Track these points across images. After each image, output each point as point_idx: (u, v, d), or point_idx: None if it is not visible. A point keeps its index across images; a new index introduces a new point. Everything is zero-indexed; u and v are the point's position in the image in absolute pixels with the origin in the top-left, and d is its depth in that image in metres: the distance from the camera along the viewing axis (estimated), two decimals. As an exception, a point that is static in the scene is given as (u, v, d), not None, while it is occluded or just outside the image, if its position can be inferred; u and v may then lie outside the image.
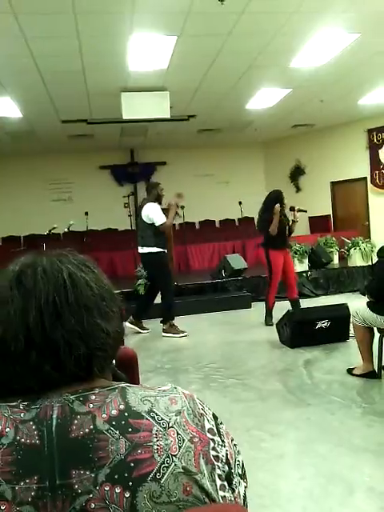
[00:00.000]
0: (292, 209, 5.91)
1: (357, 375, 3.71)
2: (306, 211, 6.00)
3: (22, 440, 0.64)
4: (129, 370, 1.64)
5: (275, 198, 5.62)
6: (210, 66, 6.52)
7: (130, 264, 8.73)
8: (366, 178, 10.56)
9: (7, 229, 10.88)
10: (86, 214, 9.55)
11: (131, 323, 5.94)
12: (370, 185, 10.51)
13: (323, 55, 6.37)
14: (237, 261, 8.09)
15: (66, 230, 8.27)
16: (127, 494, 0.63)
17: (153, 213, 5.52)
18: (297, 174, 11.81)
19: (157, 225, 5.48)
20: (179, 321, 6.61)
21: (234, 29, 5.40)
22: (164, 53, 5.90)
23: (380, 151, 10.28)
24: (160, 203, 5.70)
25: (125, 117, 7.23)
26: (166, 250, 5.68)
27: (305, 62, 6.57)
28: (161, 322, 5.85)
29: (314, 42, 5.92)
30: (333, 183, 11.09)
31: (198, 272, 9.71)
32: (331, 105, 8.93)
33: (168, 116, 7.26)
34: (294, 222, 5.70)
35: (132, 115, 7.19)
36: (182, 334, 5.65)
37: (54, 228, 7.88)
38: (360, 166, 10.54)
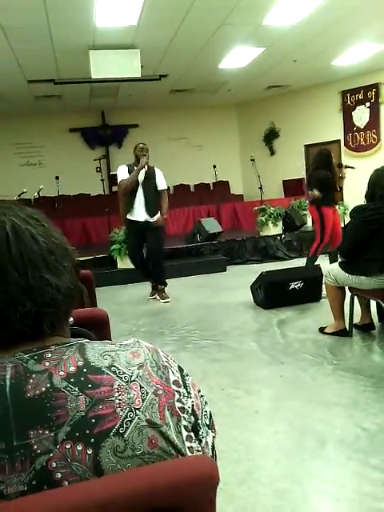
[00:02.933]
0: (340, 165, 5.97)
1: (329, 333, 3.80)
2: (354, 168, 6.04)
3: None
4: (100, 332, 1.63)
5: (327, 157, 5.68)
6: (182, 23, 6.29)
7: (104, 229, 8.62)
8: (339, 141, 10.56)
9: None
10: (57, 178, 9.28)
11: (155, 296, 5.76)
12: (343, 147, 10.53)
13: (297, 12, 6.21)
14: (211, 224, 8.09)
15: (36, 194, 8.07)
16: (89, 451, 0.62)
17: (118, 173, 5.38)
18: (271, 137, 11.72)
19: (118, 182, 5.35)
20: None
21: (206, -18, 5.19)
22: (133, 7, 5.64)
23: (353, 113, 10.26)
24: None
25: (93, 76, 6.96)
26: (130, 217, 5.42)
27: (278, 19, 6.40)
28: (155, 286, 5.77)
29: (287, -2, 5.76)
30: (306, 146, 11.07)
31: (173, 237, 9.67)
32: (305, 65, 8.80)
33: (139, 75, 7.03)
34: (341, 178, 5.72)
35: (101, 74, 6.92)
36: (167, 300, 5.61)
37: (24, 193, 7.66)
38: (334, 129, 10.52)
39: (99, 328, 1.56)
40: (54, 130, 11.13)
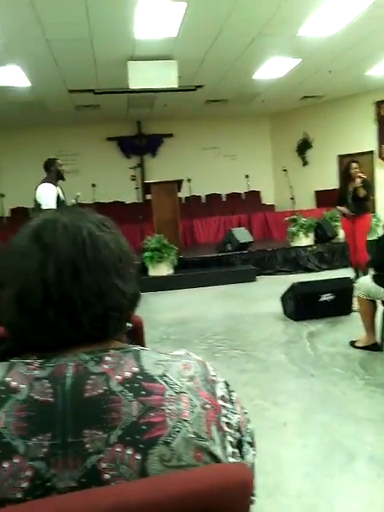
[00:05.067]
0: (350, 176, 5.83)
1: (359, 347, 3.76)
2: (364, 177, 5.87)
3: (36, 397, 0.64)
4: (135, 337, 1.67)
5: (345, 168, 5.81)
6: (219, 34, 6.38)
7: (137, 237, 8.75)
8: (372, 152, 10.41)
9: (15, 200, 10.87)
10: (93, 185, 9.50)
11: None
12: (376, 158, 10.37)
13: (333, 24, 6.20)
14: (242, 234, 8.09)
15: (73, 201, 8.26)
16: (138, 456, 0.64)
17: (43, 193, 5.07)
18: (304, 147, 11.66)
19: (42, 207, 4.99)
20: (185, 294, 6.68)
21: (243, -4, 5.25)
22: (172, 20, 5.75)
23: (388, 124, 10.11)
24: (62, 179, 5.33)
25: (131, 86, 7.11)
26: None
27: (314, 30, 6.40)
28: None
29: (324, 10, 5.75)
30: (340, 157, 10.96)
31: (204, 245, 9.73)
32: (340, 76, 8.75)
33: (176, 86, 7.14)
34: (358, 187, 5.65)
35: (139, 85, 7.07)
36: None
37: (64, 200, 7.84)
38: (367, 140, 10.39)
39: (134, 333, 1.61)
40: (91, 138, 11.40)
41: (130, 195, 10.36)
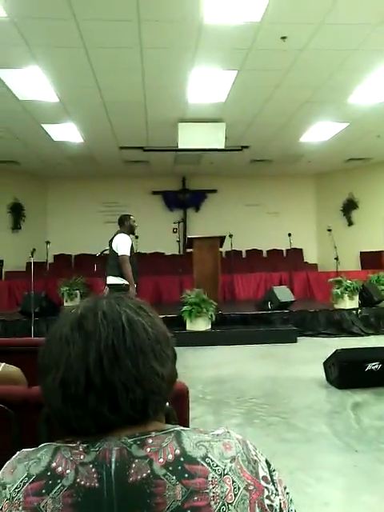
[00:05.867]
0: None
1: (409, 424, 3.53)
2: None
3: (82, 482, 0.65)
4: (178, 404, 1.63)
5: None
6: (268, 100, 6.60)
7: (175, 289, 8.78)
8: (421, 215, 10.24)
9: (60, 247, 11.25)
10: (137, 237, 9.74)
11: None
12: None
13: (382, 92, 6.31)
14: (284, 293, 7.97)
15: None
16: None
17: (121, 242, 5.53)
18: (349, 207, 11.61)
19: (119, 254, 5.47)
20: (222, 351, 6.56)
21: (294, 65, 5.46)
22: (223, 86, 6.03)
23: None
24: (133, 234, 5.81)
25: (180, 146, 7.41)
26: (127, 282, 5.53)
27: (363, 97, 6.53)
28: None
29: (374, 79, 5.88)
30: (387, 219, 10.82)
31: (243, 301, 9.63)
32: (388, 140, 8.79)
33: (223, 146, 7.38)
34: None
35: (187, 145, 7.36)
36: None
37: (106, 250, 8.06)
38: (415, 203, 10.25)
39: (178, 401, 1.58)
40: (138, 191, 11.82)
41: (170, 248, 10.52)
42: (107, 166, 10.41)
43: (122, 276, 5.55)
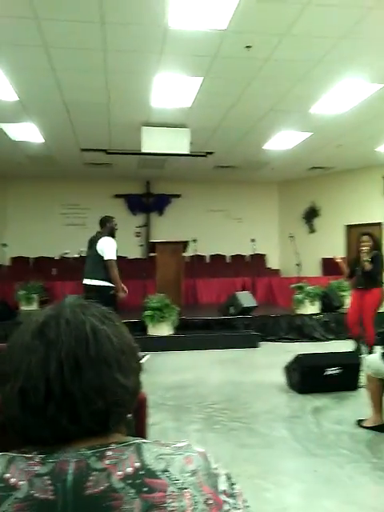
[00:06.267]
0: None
1: (367, 427, 3.59)
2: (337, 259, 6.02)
3: (36, 495, 0.62)
4: (137, 413, 1.58)
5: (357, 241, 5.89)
6: (232, 107, 6.65)
7: (138, 293, 8.68)
8: (380, 224, 10.55)
9: (19, 249, 10.95)
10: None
11: None
12: (384, 230, 10.48)
13: (344, 103, 6.48)
14: (247, 298, 8.02)
15: (76, 255, 8.31)
16: None
17: (107, 246, 5.51)
18: (311, 215, 11.85)
19: (105, 258, 5.45)
20: (184, 356, 6.53)
21: (259, 74, 5.52)
22: (188, 92, 6.03)
23: (397, 198, 10.30)
24: (113, 237, 5.72)
25: (144, 150, 7.35)
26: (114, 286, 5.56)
27: (326, 108, 6.68)
28: None
29: (336, 90, 6.03)
30: (348, 226, 11.10)
31: (206, 306, 9.64)
32: (349, 150, 9.03)
33: (187, 152, 7.37)
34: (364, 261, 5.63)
35: (151, 149, 7.31)
36: None
37: (66, 253, 7.90)
38: (375, 212, 10.55)
39: (137, 409, 1.53)
40: (100, 194, 11.66)
41: (133, 252, 10.43)
42: (68, 167, 10.22)
43: (109, 280, 5.49)
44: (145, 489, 0.64)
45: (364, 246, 5.61)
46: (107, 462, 0.66)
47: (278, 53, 4.98)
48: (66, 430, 0.67)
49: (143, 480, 0.65)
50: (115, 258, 5.51)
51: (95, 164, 9.92)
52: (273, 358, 6.16)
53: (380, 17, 4.26)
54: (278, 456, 3.21)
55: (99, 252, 5.51)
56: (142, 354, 5.74)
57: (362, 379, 3.96)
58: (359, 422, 3.68)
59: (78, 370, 0.67)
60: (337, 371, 4.51)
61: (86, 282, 5.60)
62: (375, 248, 5.65)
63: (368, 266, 5.50)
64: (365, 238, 5.70)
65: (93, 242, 5.66)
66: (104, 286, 5.49)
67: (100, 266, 5.48)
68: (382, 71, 5.46)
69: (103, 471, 0.65)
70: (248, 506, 0.75)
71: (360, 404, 4.10)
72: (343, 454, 3.20)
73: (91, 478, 0.64)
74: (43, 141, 8.13)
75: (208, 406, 4.29)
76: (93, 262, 5.58)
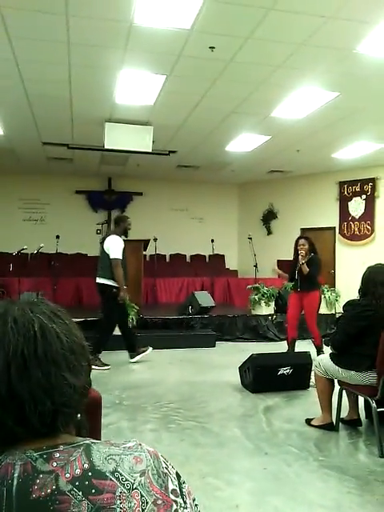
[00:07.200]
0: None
1: (315, 426, 3.72)
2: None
3: None
4: (90, 413, 1.59)
5: (295, 243, 5.98)
6: (195, 107, 6.70)
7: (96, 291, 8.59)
8: (334, 228, 10.89)
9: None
10: (57, 237, 9.43)
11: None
12: (338, 235, 10.83)
13: (303, 109, 6.65)
14: (205, 298, 8.10)
15: (35, 251, 8.14)
16: None
17: (113, 245, 5.62)
18: (269, 217, 12.08)
19: (111, 256, 5.57)
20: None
21: (221, 75, 5.58)
22: (152, 90, 6.02)
23: (349, 204, 10.66)
24: (126, 236, 5.88)
25: (106, 146, 7.28)
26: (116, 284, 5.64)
27: (285, 113, 6.83)
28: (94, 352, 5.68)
29: (295, 96, 6.18)
30: (303, 230, 11.39)
31: (165, 305, 9.66)
32: (307, 155, 9.26)
33: (150, 150, 7.36)
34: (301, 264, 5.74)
35: (114, 145, 7.25)
36: (105, 368, 5.62)
37: (24, 249, 7.73)
38: (330, 216, 10.88)
39: (90, 410, 1.53)
40: (61, 189, 11.45)
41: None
42: (29, 161, 9.97)
43: (114, 278, 5.51)
44: (93, 491, 0.64)
45: (301, 250, 5.77)
46: (54, 463, 0.65)
47: (241, 55, 5.05)
48: (12, 432, 0.66)
49: (91, 481, 0.64)
50: (120, 257, 5.58)
51: (57, 159, 9.73)
52: (228, 358, 6.27)
53: (337, 26, 4.41)
54: (230, 455, 3.28)
55: (106, 250, 5.63)
56: (143, 348, 5.84)
57: (313, 379, 4.09)
58: (308, 421, 3.81)
59: (25, 370, 0.66)
60: (288, 371, 4.65)
61: (96, 280, 5.75)
62: (312, 251, 5.83)
63: (305, 269, 5.68)
64: (302, 241, 5.85)
65: (102, 241, 5.82)
66: (107, 284, 5.55)
67: (107, 264, 5.55)
68: (338, 80, 5.64)
69: (50, 474, 0.64)
70: (197, 505, 0.76)
71: (310, 403, 4.24)
72: (292, 452, 3.31)
73: (38, 481, 0.63)
74: (2, 133, 7.91)
75: (164, 406, 4.33)
76: (101, 261, 5.73)
